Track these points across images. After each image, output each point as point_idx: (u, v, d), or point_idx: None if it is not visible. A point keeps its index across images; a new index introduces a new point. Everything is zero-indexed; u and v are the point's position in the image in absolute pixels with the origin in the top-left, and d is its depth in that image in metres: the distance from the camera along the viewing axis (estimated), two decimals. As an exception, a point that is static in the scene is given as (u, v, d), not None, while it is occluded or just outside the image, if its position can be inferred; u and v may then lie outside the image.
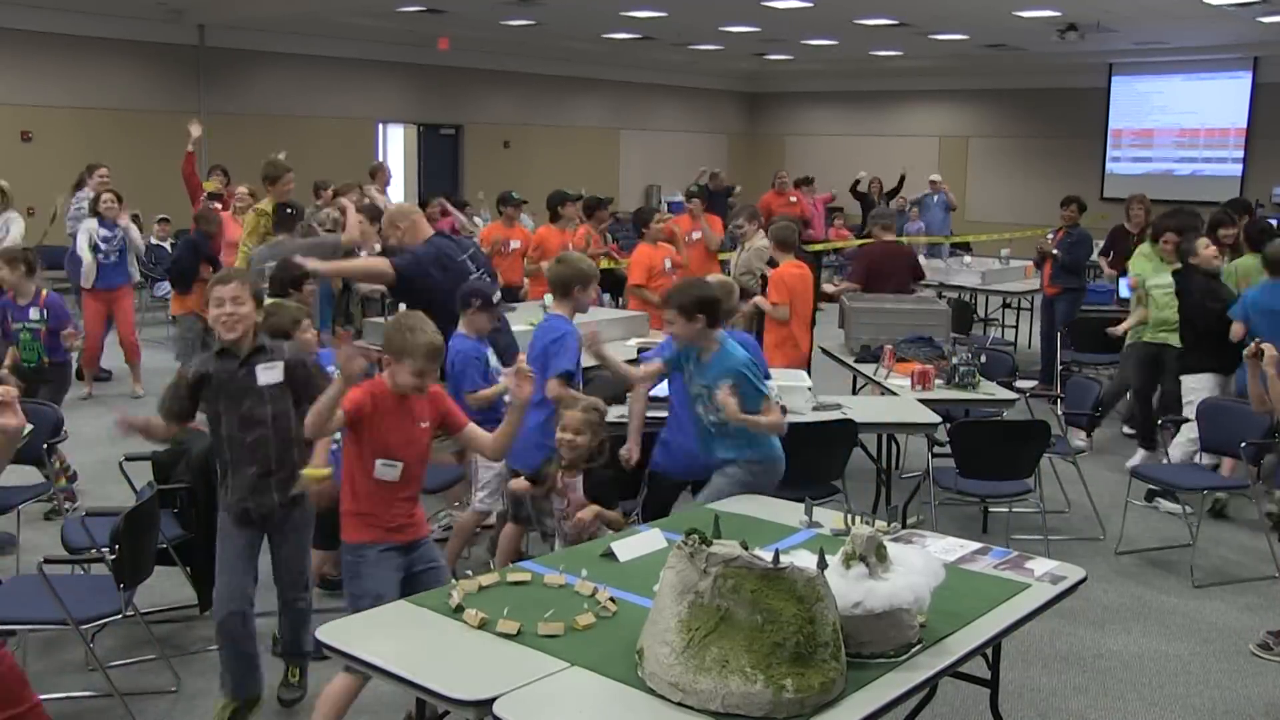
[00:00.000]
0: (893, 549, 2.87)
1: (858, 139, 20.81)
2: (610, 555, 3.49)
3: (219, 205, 9.71)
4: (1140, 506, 6.36)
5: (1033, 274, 11.06)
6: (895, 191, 16.36)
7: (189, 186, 10.21)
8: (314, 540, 4.30)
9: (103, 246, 8.69)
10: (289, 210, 7.56)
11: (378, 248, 8.92)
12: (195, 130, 10.28)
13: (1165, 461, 6.66)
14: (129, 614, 3.98)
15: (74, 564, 4.38)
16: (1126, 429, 8.22)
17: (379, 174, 12.10)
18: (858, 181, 16.42)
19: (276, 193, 8.11)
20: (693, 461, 4.83)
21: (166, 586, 4.84)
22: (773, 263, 7.48)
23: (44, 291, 6.63)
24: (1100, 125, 19.54)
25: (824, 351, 7.71)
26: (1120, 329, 7.79)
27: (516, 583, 3.26)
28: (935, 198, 16.03)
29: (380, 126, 17.76)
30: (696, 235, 9.45)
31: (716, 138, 22.82)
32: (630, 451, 4.97)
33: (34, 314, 6.50)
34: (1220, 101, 18.52)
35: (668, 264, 8.49)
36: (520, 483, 4.53)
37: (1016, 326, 11.77)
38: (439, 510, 6.02)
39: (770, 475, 4.60)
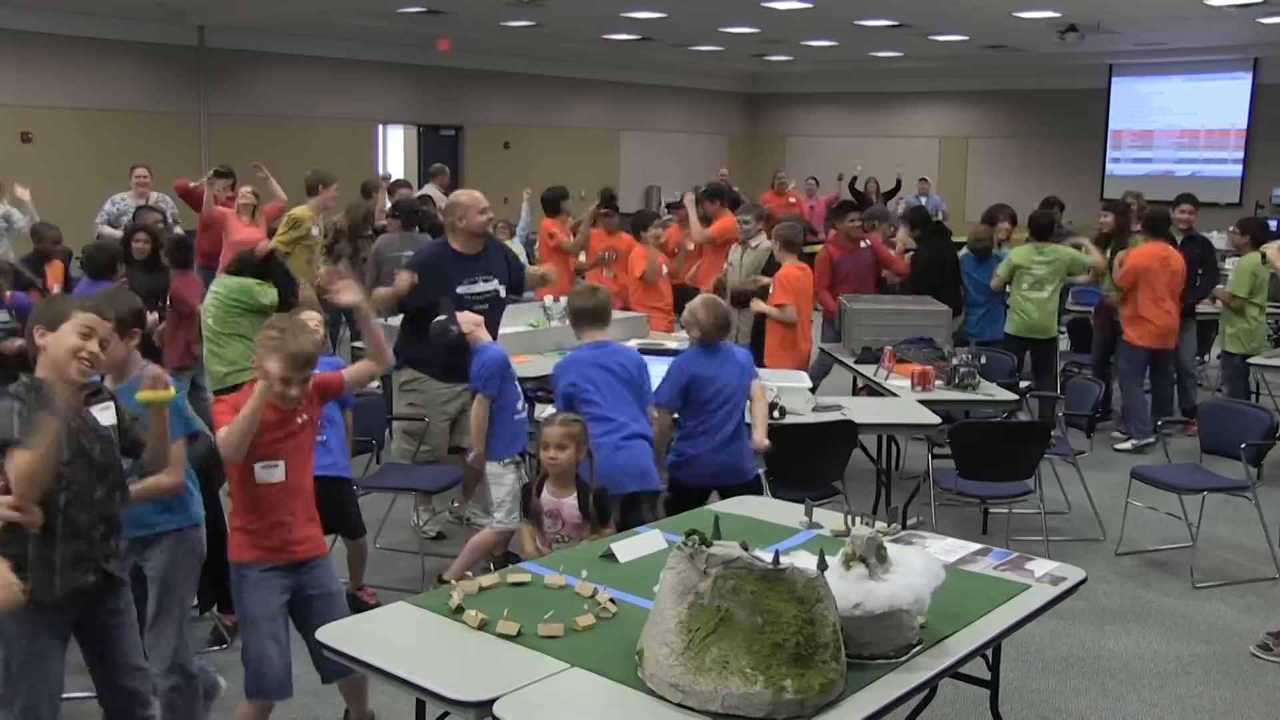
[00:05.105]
0: (893, 550, 2.87)
1: (858, 140, 20.79)
2: (610, 556, 3.49)
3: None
4: (1140, 507, 6.36)
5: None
6: (893, 193, 16.35)
7: (188, 199, 9.98)
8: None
9: None
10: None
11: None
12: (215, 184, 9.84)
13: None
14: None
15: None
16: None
17: (439, 177, 12.13)
18: (854, 179, 16.39)
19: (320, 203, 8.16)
20: (714, 468, 4.87)
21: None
22: (774, 263, 7.46)
23: (7, 293, 6.47)
24: (1100, 126, 19.52)
25: (823, 352, 7.71)
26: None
27: (516, 583, 3.26)
28: (924, 199, 15.99)
29: (380, 127, 17.75)
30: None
31: (717, 139, 22.81)
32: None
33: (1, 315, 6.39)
34: (1220, 102, 18.50)
35: (664, 270, 8.47)
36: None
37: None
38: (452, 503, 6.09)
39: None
